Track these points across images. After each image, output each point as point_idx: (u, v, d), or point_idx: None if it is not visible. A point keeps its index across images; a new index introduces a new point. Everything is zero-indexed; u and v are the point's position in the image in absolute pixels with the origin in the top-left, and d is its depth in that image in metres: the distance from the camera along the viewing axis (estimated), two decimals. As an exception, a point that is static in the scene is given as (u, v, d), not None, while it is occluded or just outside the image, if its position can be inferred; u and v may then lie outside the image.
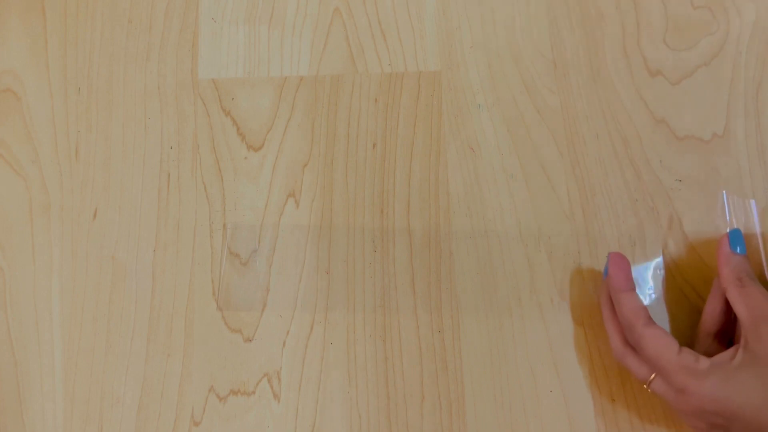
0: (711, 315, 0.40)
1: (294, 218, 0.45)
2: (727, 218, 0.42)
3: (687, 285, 0.42)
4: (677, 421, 0.41)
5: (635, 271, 0.42)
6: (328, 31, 0.48)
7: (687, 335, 0.42)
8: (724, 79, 0.45)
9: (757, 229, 0.42)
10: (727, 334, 0.40)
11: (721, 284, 0.38)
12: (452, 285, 0.44)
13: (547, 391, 0.42)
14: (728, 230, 0.40)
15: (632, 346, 0.38)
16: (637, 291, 0.39)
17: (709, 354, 0.36)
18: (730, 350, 0.36)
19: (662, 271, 0.42)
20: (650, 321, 0.38)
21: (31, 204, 0.47)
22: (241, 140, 0.47)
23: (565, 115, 0.45)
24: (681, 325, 0.42)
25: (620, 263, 0.39)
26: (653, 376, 0.37)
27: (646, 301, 0.42)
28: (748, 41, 0.46)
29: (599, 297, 0.41)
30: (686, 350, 0.36)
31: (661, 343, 0.36)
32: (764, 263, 0.41)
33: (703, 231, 0.43)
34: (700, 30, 0.46)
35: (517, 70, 0.46)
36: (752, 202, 0.42)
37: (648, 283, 0.42)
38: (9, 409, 0.44)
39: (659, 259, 0.43)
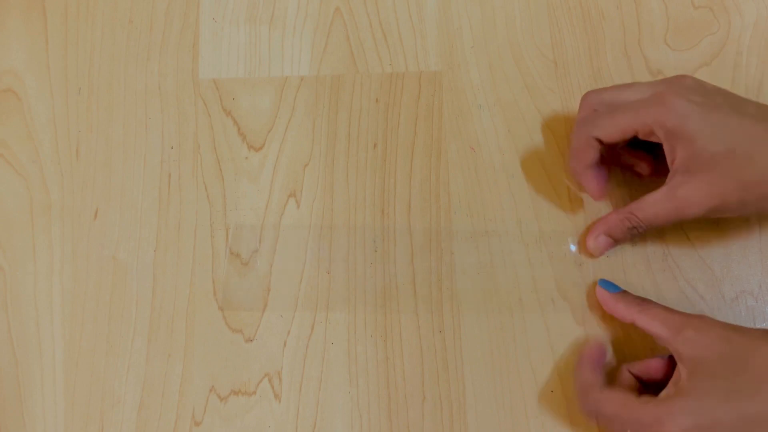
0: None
1: (295, 218, 0.45)
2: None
3: (688, 286, 0.42)
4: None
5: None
6: (328, 31, 0.48)
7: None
8: (725, 79, 0.45)
9: None
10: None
11: (627, 320, 0.39)
12: (453, 285, 0.44)
13: (548, 391, 0.42)
14: (598, 283, 0.41)
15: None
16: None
17: None
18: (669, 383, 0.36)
19: None
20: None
21: (31, 204, 0.47)
22: (241, 140, 0.47)
23: (566, 115, 0.45)
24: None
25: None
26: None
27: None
28: (749, 41, 0.46)
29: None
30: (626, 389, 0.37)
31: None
32: None
33: (703, 231, 0.43)
34: (701, 30, 0.46)
35: (518, 70, 0.46)
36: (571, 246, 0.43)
37: None
38: (9, 409, 0.44)
39: None
